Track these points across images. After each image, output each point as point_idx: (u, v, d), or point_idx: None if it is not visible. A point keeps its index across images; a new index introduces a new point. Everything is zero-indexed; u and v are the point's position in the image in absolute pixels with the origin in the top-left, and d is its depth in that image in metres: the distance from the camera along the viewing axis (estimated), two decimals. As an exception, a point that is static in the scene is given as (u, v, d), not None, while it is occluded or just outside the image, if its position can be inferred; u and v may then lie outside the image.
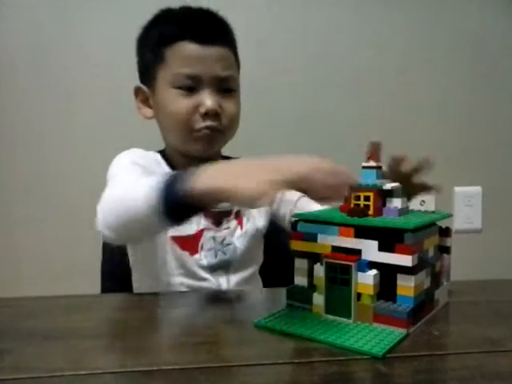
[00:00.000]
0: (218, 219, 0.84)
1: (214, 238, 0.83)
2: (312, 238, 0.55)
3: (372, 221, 0.52)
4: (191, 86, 0.79)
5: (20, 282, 1.26)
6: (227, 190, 0.52)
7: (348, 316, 0.53)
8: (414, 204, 0.61)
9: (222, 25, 0.84)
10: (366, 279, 0.51)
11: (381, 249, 0.51)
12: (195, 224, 0.82)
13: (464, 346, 0.48)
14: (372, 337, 0.49)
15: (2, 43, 1.25)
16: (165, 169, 0.83)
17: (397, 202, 0.55)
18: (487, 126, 1.48)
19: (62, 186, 1.29)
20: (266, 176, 0.50)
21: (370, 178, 0.56)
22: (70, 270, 1.27)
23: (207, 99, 0.78)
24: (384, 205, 0.56)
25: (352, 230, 0.53)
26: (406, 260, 0.49)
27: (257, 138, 1.28)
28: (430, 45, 1.44)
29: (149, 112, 0.85)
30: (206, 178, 0.54)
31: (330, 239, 0.54)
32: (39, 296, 0.65)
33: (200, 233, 0.82)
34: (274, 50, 1.35)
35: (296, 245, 0.56)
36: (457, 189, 1.43)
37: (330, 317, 0.53)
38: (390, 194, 0.56)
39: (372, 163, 0.57)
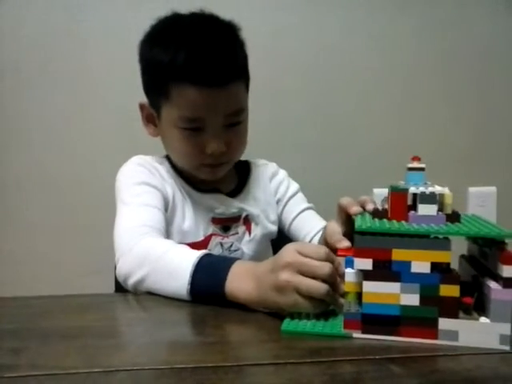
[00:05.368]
0: (226, 225, 0.84)
1: (221, 244, 0.84)
2: None
3: (356, 221, 0.52)
4: (196, 127, 0.77)
5: (36, 282, 1.28)
6: (256, 305, 0.56)
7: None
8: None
9: (236, 55, 0.78)
10: (345, 276, 0.51)
11: None
12: (203, 230, 0.83)
13: (478, 347, 0.48)
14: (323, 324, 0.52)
15: (5, 43, 1.27)
16: (174, 178, 0.84)
17: (421, 208, 0.51)
18: (501, 126, 1.46)
19: (75, 187, 1.31)
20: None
21: (406, 180, 0.54)
22: (84, 270, 1.28)
23: (213, 142, 0.77)
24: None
25: None
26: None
27: (266, 139, 1.28)
28: (442, 44, 1.43)
29: (154, 131, 0.85)
30: (232, 289, 0.57)
31: None
32: (54, 295, 0.66)
33: (208, 239, 0.83)
34: (284, 51, 1.35)
35: None
36: (471, 189, 1.41)
37: None
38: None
39: (414, 164, 0.54)
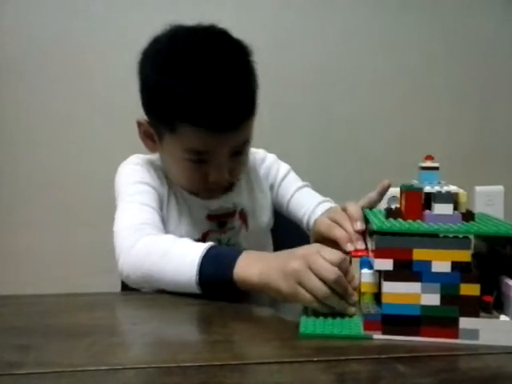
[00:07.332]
0: (222, 221, 0.84)
1: (219, 241, 0.83)
2: None
3: (375, 222, 0.51)
4: (202, 159, 0.74)
5: (42, 281, 1.28)
6: (261, 288, 0.56)
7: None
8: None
9: (252, 93, 0.75)
10: (361, 276, 0.51)
11: None
12: (199, 228, 0.82)
13: (485, 347, 0.48)
14: (341, 326, 0.50)
15: (6, 43, 1.28)
16: (168, 177, 0.82)
17: (437, 208, 0.50)
18: (506, 125, 1.45)
19: (80, 186, 1.32)
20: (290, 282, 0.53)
21: (419, 179, 0.54)
22: (90, 269, 1.29)
23: (217, 172, 0.75)
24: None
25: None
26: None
27: (271, 140, 1.28)
28: (446, 44, 1.42)
29: (153, 148, 0.81)
30: (242, 271, 0.57)
31: None
32: (61, 294, 0.66)
33: (204, 236, 0.82)
34: (289, 52, 1.35)
35: None
36: (478, 188, 1.40)
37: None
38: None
39: (427, 163, 0.54)
